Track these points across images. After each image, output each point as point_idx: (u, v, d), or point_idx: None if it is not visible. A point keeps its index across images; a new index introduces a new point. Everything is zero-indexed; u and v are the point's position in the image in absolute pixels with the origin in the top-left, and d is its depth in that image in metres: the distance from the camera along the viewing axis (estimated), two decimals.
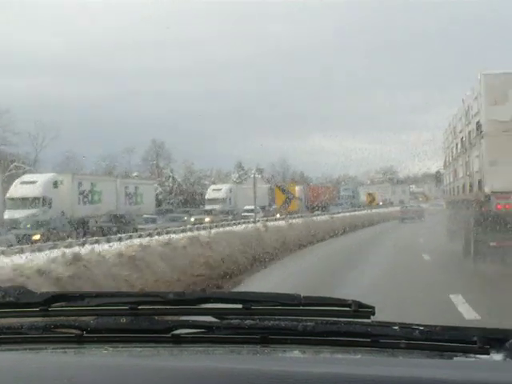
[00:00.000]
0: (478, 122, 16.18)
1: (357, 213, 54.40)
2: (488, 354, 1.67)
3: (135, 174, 76.13)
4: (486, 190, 15.43)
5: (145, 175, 78.12)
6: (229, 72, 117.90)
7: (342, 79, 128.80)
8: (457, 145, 20.70)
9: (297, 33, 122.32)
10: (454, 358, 1.70)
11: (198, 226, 38.14)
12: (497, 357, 1.67)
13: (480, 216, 15.85)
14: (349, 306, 1.86)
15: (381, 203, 76.42)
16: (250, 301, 1.94)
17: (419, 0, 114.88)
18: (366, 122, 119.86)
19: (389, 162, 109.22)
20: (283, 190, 37.96)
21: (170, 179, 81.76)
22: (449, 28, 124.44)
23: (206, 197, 68.80)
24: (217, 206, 64.40)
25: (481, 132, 15.74)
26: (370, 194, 64.82)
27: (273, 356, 1.82)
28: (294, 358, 1.76)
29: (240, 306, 1.94)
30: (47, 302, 1.97)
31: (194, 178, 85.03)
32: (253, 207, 53.56)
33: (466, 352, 1.70)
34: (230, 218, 56.82)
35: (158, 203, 68.22)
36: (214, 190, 69.69)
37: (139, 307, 1.96)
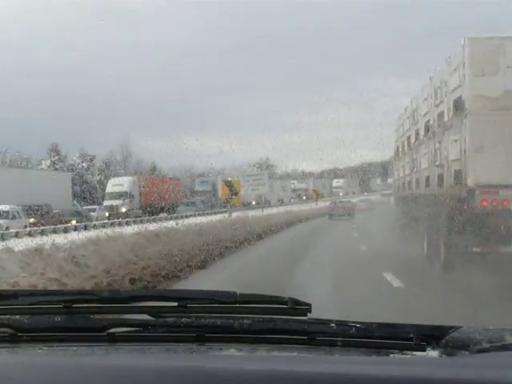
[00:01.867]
0: (457, 99, 13.11)
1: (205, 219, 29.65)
2: (424, 350, 1.69)
3: None
4: (469, 182, 12.38)
5: None
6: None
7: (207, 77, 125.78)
8: (417, 131, 17.70)
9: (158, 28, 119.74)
10: (391, 355, 1.71)
11: None
12: (433, 353, 1.67)
13: (457, 215, 12.81)
14: (285, 303, 1.85)
15: (253, 202, 52.69)
16: (186, 298, 1.92)
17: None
18: (236, 121, 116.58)
19: (265, 155, 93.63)
20: None
21: None
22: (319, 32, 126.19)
23: None
24: None
25: (463, 110, 12.66)
26: (228, 184, 37.16)
27: (208, 354, 1.80)
28: (230, 356, 1.76)
29: (175, 303, 1.90)
30: None
31: None
32: (8, 208, 33.99)
33: (402, 349, 1.72)
34: None
35: None
36: None
37: (74, 305, 1.92)
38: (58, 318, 1.86)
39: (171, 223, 24.60)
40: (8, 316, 1.95)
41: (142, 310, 1.94)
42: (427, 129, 16.40)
